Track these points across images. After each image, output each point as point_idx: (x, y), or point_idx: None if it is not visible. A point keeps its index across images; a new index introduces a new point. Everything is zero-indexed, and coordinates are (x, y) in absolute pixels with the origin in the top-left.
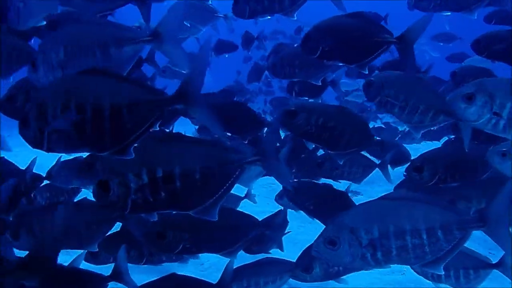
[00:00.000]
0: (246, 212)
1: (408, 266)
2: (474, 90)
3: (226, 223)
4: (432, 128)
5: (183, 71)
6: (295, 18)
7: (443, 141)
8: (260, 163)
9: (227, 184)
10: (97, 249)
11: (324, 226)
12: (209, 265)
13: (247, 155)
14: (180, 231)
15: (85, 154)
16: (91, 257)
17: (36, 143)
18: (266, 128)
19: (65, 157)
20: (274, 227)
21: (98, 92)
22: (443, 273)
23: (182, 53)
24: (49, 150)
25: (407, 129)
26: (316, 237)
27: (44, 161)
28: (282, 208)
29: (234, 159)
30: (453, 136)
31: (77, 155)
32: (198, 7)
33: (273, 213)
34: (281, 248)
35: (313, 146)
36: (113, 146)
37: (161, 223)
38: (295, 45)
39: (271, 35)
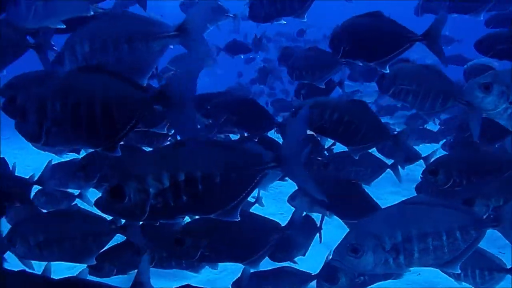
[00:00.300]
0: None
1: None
2: (492, 80)
3: (247, 229)
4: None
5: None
6: (305, 20)
7: (442, 143)
8: (281, 169)
9: (248, 189)
10: (95, 262)
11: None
12: (223, 268)
13: (268, 160)
14: (198, 237)
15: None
16: (94, 270)
17: (33, 137)
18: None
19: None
20: (298, 232)
21: (91, 88)
22: (459, 272)
23: (207, 50)
24: (46, 144)
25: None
26: (337, 245)
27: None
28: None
29: (255, 163)
30: (451, 138)
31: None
32: (210, 5)
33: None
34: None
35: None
36: (105, 141)
37: (180, 229)
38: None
39: (274, 37)
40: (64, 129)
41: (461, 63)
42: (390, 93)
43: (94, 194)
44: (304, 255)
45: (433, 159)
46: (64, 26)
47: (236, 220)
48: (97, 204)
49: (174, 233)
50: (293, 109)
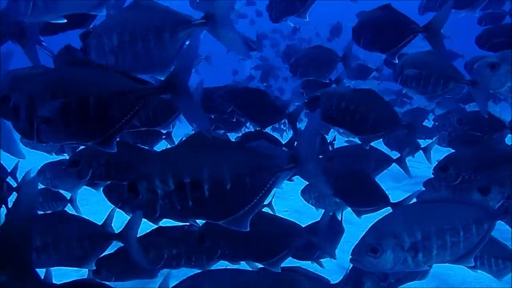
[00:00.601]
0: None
1: None
2: (499, 60)
3: (268, 230)
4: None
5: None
6: (307, 19)
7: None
8: (298, 169)
9: (261, 193)
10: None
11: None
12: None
13: (282, 162)
14: (219, 236)
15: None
16: (92, 274)
17: (26, 134)
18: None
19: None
20: (321, 234)
21: (85, 82)
22: (473, 264)
23: (237, 36)
24: (39, 140)
25: None
26: (355, 244)
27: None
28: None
29: (269, 165)
30: (446, 133)
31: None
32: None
33: (320, 219)
34: (333, 257)
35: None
36: (99, 135)
37: (201, 228)
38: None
39: (270, 34)
40: (57, 125)
41: (451, 59)
42: (399, 81)
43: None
44: (333, 257)
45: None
46: (65, 21)
47: (245, 230)
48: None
49: (197, 231)
50: (306, 100)
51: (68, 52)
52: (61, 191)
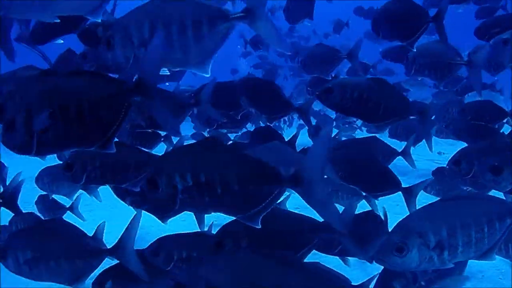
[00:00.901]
0: None
1: None
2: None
3: (288, 228)
4: None
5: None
6: (313, 19)
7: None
8: (298, 190)
9: (266, 201)
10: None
11: None
12: None
13: (285, 179)
14: (238, 238)
15: None
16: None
17: (24, 148)
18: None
19: None
20: (344, 231)
21: (73, 90)
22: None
23: (275, 29)
24: (37, 153)
25: None
26: (380, 244)
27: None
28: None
29: (272, 179)
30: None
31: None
32: None
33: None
34: (363, 257)
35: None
36: (96, 141)
37: (219, 231)
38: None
39: None
40: (54, 136)
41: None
42: (412, 72)
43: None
44: (369, 261)
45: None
46: (58, 21)
47: (257, 227)
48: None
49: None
50: (317, 92)
51: (69, 56)
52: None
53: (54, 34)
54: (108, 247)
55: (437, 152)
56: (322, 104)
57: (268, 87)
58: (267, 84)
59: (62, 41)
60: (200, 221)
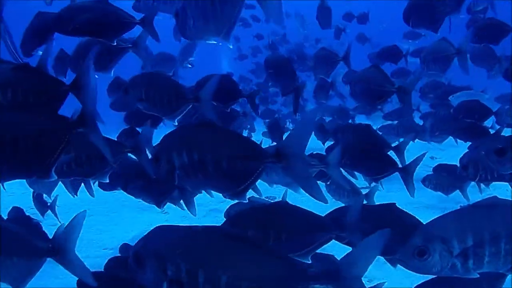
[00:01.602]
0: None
1: None
2: None
3: (295, 224)
4: None
5: None
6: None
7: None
8: (280, 166)
9: (251, 178)
10: None
11: None
12: None
13: (268, 155)
14: (245, 228)
15: None
16: None
17: None
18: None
19: None
20: (352, 231)
21: (17, 125)
22: None
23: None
24: None
25: None
26: (404, 245)
27: None
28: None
29: (256, 156)
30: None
31: None
32: None
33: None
34: None
35: None
36: (37, 172)
37: (225, 224)
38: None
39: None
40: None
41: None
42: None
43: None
44: (393, 265)
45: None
46: None
47: (244, 201)
48: None
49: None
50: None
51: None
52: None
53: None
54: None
55: (429, 157)
56: None
57: (286, 65)
58: (286, 62)
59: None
60: (191, 206)
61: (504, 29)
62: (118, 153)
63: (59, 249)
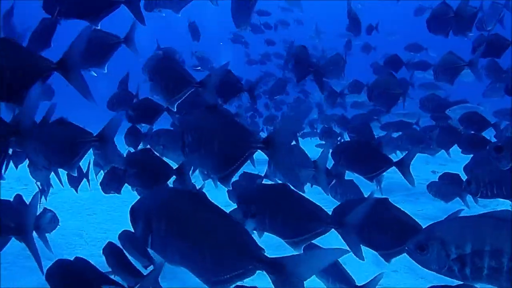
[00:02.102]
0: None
1: None
2: None
3: (297, 210)
4: None
5: None
6: None
7: None
8: (266, 152)
9: (239, 161)
10: None
11: None
12: None
13: (256, 141)
14: (250, 203)
15: None
16: None
17: None
18: None
19: None
20: (348, 227)
21: None
22: None
23: None
24: None
25: None
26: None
27: None
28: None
29: (247, 141)
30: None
31: None
32: None
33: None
34: (358, 256)
35: None
36: None
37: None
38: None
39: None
40: None
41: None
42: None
43: None
44: (358, 256)
45: None
46: None
47: (228, 188)
48: None
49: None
50: None
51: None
52: None
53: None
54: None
55: (431, 171)
56: None
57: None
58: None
59: None
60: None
61: (505, 44)
62: (86, 141)
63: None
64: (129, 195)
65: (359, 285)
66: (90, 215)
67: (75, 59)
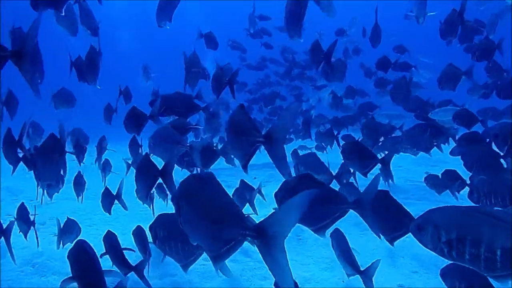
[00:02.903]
0: None
1: None
2: None
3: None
4: None
5: None
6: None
7: None
8: (265, 146)
9: (251, 151)
10: None
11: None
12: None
13: (259, 135)
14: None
15: None
16: None
17: None
18: None
19: None
20: (366, 208)
21: None
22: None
23: None
24: None
25: None
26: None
27: None
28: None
29: (252, 135)
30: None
31: None
32: None
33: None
34: (377, 235)
35: None
36: None
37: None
38: None
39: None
40: None
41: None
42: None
43: None
44: (377, 235)
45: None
46: None
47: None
48: None
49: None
50: None
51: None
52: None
53: None
54: None
55: (424, 172)
56: None
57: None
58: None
59: None
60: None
61: (492, 48)
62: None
63: None
64: (128, 203)
65: (362, 269)
66: (88, 226)
67: (28, 48)
